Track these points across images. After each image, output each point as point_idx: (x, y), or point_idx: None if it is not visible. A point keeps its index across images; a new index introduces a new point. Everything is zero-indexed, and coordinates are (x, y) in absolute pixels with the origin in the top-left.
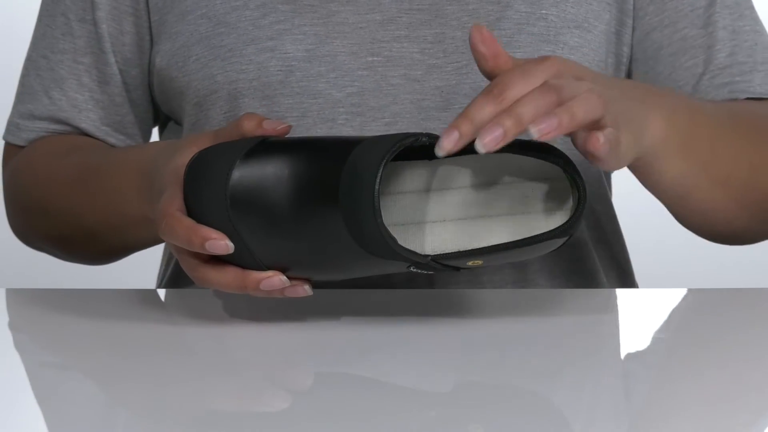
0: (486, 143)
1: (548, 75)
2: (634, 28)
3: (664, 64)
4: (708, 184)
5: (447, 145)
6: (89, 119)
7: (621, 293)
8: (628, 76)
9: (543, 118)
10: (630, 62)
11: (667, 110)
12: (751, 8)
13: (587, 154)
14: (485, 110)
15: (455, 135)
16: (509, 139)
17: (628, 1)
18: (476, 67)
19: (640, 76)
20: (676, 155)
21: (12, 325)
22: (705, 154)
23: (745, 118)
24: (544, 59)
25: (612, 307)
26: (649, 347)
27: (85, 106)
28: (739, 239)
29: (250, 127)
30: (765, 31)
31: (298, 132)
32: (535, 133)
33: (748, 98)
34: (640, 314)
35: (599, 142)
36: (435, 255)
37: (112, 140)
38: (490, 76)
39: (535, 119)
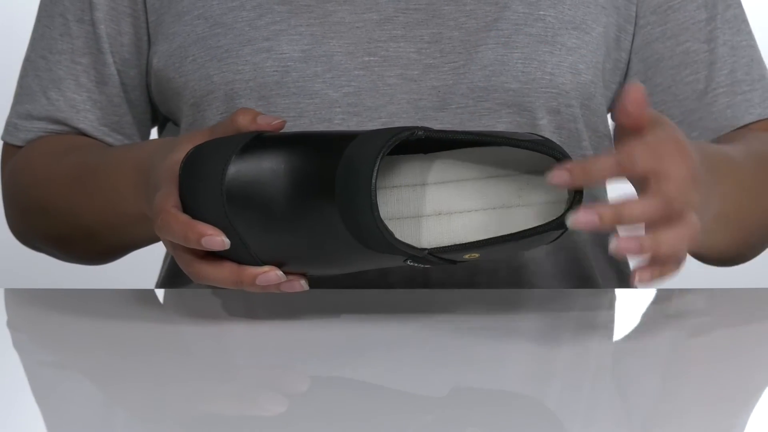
0: (578, 221)
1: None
2: (634, 35)
3: (664, 76)
4: (733, 239)
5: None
6: (87, 119)
7: (620, 293)
8: (624, 79)
9: (629, 238)
10: (627, 68)
11: (720, 201)
12: (746, 21)
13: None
14: (604, 171)
15: (566, 176)
16: (596, 227)
17: (631, 8)
18: (473, 67)
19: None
20: (717, 235)
21: (11, 325)
22: (741, 222)
23: (761, 160)
24: (682, 154)
25: (610, 307)
26: (648, 347)
27: (83, 107)
28: (742, 261)
29: (244, 122)
30: (756, 44)
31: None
32: (613, 246)
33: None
34: (639, 314)
35: (646, 277)
36: (431, 248)
37: (109, 140)
38: (620, 128)
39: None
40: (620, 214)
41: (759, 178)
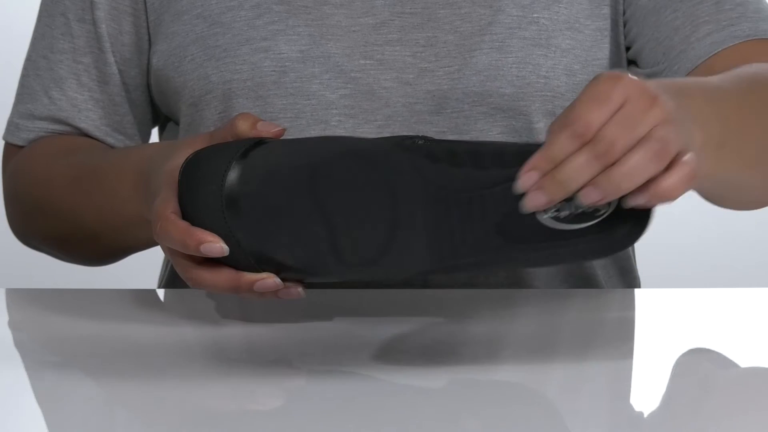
0: (529, 204)
1: (653, 123)
2: (624, 11)
3: (649, 26)
4: (746, 174)
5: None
6: (89, 119)
7: (621, 293)
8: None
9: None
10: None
11: (701, 120)
12: None
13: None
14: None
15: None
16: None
17: None
18: (468, 72)
19: (639, 53)
20: (711, 161)
21: (12, 325)
22: (739, 149)
23: (757, 81)
24: (618, 82)
25: (612, 307)
26: (648, 347)
27: (84, 106)
28: (759, 205)
29: (244, 128)
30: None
31: (291, 133)
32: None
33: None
34: (640, 314)
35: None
36: None
37: (111, 140)
38: None
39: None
40: (557, 174)
41: (761, 100)
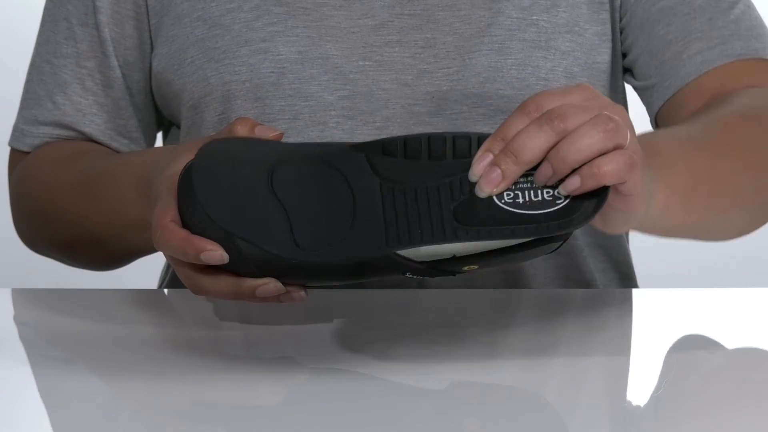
0: (486, 184)
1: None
2: (621, 18)
3: (643, 38)
4: (715, 217)
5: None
6: (94, 123)
7: (619, 293)
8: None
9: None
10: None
11: (667, 171)
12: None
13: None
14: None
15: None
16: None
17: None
18: (467, 74)
19: (633, 63)
20: (679, 213)
21: (18, 323)
22: (711, 195)
23: (731, 124)
24: (578, 87)
25: (610, 307)
26: (648, 347)
27: (89, 110)
28: (742, 235)
29: (242, 133)
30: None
31: (290, 134)
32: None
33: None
34: (640, 314)
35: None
36: (431, 261)
37: (115, 145)
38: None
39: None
40: (509, 146)
41: (730, 144)
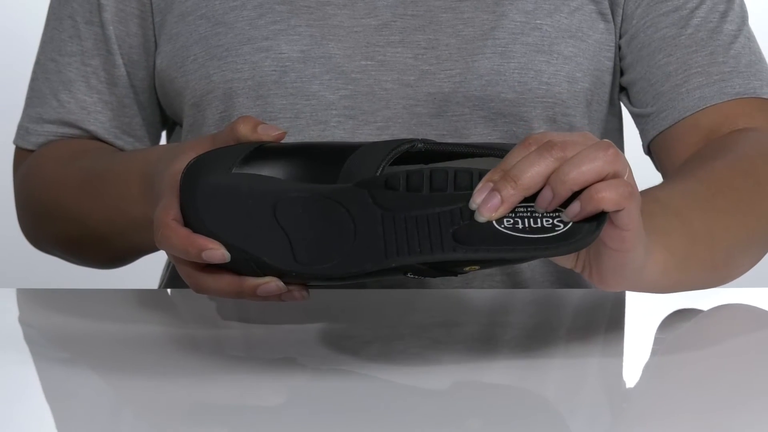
0: (485, 210)
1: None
2: (621, 35)
3: (642, 64)
4: (713, 272)
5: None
6: (98, 121)
7: (617, 294)
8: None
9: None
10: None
11: (664, 236)
12: (737, 13)
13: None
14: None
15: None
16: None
17: (618, 12)
18: (470, 77)
19: (630, 85)
20: (676, 273)
21: (23, 323)
22: (708, 252)
23: (729, 180)
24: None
25: (607, 307)
26: (648, 347)
27: (93, 108)
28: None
29: (245, 132)
30: (745, 31)
31: (291, 133)
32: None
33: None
34: (636, 314)
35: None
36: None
37: (120, 143)
38: None
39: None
40: (509, 172)
41: (725, 201)
